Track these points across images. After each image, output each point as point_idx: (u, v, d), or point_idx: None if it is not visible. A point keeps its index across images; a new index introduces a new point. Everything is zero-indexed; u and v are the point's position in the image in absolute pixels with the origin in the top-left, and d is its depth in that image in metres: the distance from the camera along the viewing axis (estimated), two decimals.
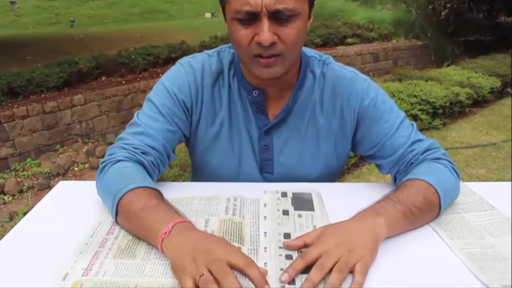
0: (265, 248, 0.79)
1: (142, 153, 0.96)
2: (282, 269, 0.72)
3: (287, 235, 0.82)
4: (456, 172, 0.97)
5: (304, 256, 0.72)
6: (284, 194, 0.97)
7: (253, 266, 0.66)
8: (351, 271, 0.71)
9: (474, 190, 1.01)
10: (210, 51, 1.08)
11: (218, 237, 0.76)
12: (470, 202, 0.96)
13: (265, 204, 0.94)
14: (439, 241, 0.83)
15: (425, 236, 0.85)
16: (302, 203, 0.94)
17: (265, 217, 0.89)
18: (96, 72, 5.04)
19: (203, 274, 0.64)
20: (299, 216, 0.89)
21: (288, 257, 0.76)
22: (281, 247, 0.79)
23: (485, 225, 0.86)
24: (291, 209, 0.92)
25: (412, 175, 0.93)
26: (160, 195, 0.86)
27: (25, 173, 3.84)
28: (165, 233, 0.73)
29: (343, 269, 0.70)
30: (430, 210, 0.88)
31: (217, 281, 0.64)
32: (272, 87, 1.02)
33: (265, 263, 0.74)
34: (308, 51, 1.07)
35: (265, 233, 0.83)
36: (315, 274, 0.69)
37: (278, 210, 0.91)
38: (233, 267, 0.66)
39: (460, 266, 0.75)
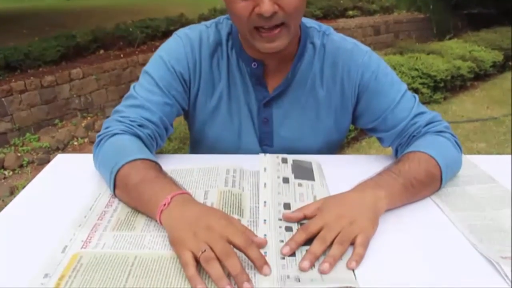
0: (265, 220, 0.78)
1: (139, 126, 0.95)
2: (282, 241, 0.72)
3: (286, 205, 0.82)
4: (458, 146, 0.96)
5: (306, 228, 0.72)
6: (284, 160, 0.96)
7: (252, 246, 0.66)
8: (352, 243, 0.71)
9: (475, 163, 1.00)
10: (207, 22, 1.06)
11: (218, 211, 0.75)
12: (472, 175, 0.95)
13: (265, 169, 0.93)
14: (440, 213, 0.82)
15: (426, 208, 0.84)
16: (303, 171, 0.93)
17: (265, 184, 0.88)
18: (93, 46, 4.98)
19: (205, 250, 0.64)
20: (299, 185, 0.89)
21: (288, 228, 0.76)
22: (280, 219, 0.78)
23: (486, 198, 0.86)
24: (291, 177, 0.91)
25: (414, 147, 0.92)
26: (158, 166, 0.85)
27: (24, 148, 3.83)
28: (164, 205, 0.73)
29: (345, 241, 0.70)
30: (432, 183, 0.87)
31: (218, 258, 0.64)
32: (271, 59, 1.00)
33: (265, 235, 0.74)
34: (307, 21, 1.05)
35: (265, 202, 0.83)
36: (317, 246, 0.69)
37: (278, 177, 0.91)
38: (232, 245, 0.66)
39: (460, 238, 0.75)
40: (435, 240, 0.74)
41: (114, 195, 0.85)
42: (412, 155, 0.89)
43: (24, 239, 0.74)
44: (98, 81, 4.55)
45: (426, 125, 0.98)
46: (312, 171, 0.94)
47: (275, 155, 0.98)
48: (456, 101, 4.84)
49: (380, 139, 1.08)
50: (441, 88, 4.78)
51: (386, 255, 0.71)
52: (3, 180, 3.44)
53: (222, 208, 0.81)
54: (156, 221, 0.74)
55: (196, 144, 1.17)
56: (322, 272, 0.65)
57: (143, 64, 1.04)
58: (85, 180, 0.92)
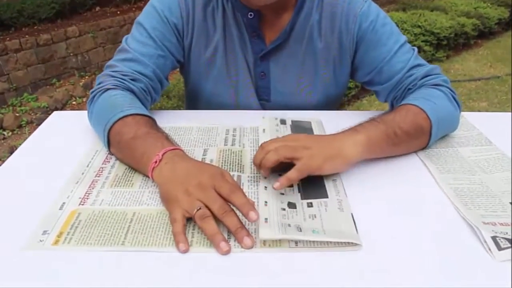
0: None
1: (132, 80, 0.92)
2: (282, 194, 0.72)
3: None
4: (456, 101, 0.92)
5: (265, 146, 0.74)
6: (283, 121, 0.94)
7: (237, 193, 0.64)
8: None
9: (474, 120, 0.98)
10: None
11: (209, 166, 0.73)
12: (468, 137, 0.92)
13: (264, 130, 0.91)
14: (427, 174, 0.80)
15: (413, 168, 0.82)
16: (302, 131, 0.92)
17: None
18: (89, 2, 4.86)
19: (199, 208, 0.63)
20: None
21: None
22: (280, 174, 0.77)
23: (478, 161, 0.83)
24: None
25: (406, 100, 0.89)
26: (151, 121, 0.83)
27: (22, 108, 3.80)
28: (155, 162, 0.71)
29: (281, 152, 0.72)
30: (419, 136, 0.84)
31: (215, 217, 0.63)
32: (268, 9, 0.96)
33: (265, 187, 0.73)
34: None
35: None
36: (258, 154, 0.73)
37: (277, 137, 0.89)
38: (219, 194, 0.65)
39: (444, 201, 0.72)
40: (418, 201, 0.72)
41: (110, 152, 0.84)
42: (402, 107, 0.86)
43: (21, 196, 0.73)
44: (95, 39, 4.46)
45: (423, 77, 0.94)
46: (312, 130, 0.92)
47: (273, 117, 0.96)
48: (459, 59, 4.75)
49: (376, 93, 1.05)
50: (443, 46, 4.68)
51: (368, 209, 0.69)
52: (2, 141, 3.43)
53: (222, 165, 0.80)
54: (150, 178, 0.73)
55: (192, 100, 1.14)
56: (274, 188, 0.69)
57: None
58: (82, 137, 0.91)
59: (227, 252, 0.60)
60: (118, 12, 4.79)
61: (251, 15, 0.96)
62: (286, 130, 0.91)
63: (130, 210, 0.68)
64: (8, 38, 3.99)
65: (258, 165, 0.73)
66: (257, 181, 0.76)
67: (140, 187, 0.74)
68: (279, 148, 0.72)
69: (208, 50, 1.02)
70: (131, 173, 0.78)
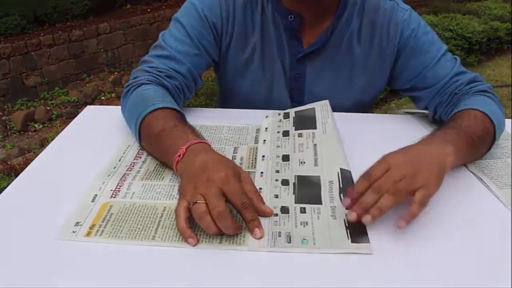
0: (262, 172, 0.77)
1: (167, 76, 0.93)
2: (276, 196, 0.71)
3: (285, 157, 0.81)
4: (501, 107, 0.92)
5: (368, 176, 0.64)
6: (286, 116, 0.94)
7: (247, 209, 0.63)
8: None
9: (508, 125, 0.95)
10: None
11: (228, 162, 0.70)
12: (510, 146, 0.90)
13: (266, 129, 0.91)
14: (484, 189, 0.76)
15: (470, 185, 0.78)
16: (304, 121, 0.90)
17: (264, 140, 0.87)
18: (121, 0, 4.94)
19: (196, 202, 0.62)
20: (300, 135, 0.86)
21: (284, 182, 0.74)
22: (278, 171, 0.77)
23: None
24: (291, 129, 0.89)
25: (464, 106, 0.87)
26: (179, 114, 0.83)
27: (53, 101, 3.90)
28: (179, 155, 0.71)
29: (399, 193, 0.62)
30: (488, 140, 0.83)
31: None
32: (309, 12, 0.96)
33: (260, 188, 0.73)
34: None
35: (263, 156, 0.82)
36: (369, 196, 0.62)
37: (278, 132, 0.89)
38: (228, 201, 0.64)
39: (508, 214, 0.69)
40: (484, 220, 0.68)
41: (141, 146, 0.85)
42: (467, 112, 0.84)
43: (55, 188, 0.75)
44: (125, 36, 4.53)
45: (468, 83, 0.95)
46: (315, 118, 0.90)
47: (277, 112, 0.96)
48: (491, 64, 4.64)
49: (417, 99, 1.03)
50: (475, 50, 4.58)
51: (439, 241, 0.64)
52: (33, 133, 3.52)
53: (252, 163, 0.80)
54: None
55: (226, 99, 1.15)
56: (364, 223, 0.61)
57: (171, 19, 1.01)
58: (115, 132, 0.93)
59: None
60: (149, 10, 4.85)
61: (291, 17, 0.96)
62: (288, 124, 0.90)
63: (160, 204, 0.69)
64: (42, 34, 4.10)
65: (365, 209, 0.62)
66: (253, 179, 0.74)
67: (171, 181, 0.75)
68: (392, 188, 0.63)
69: (246, 50, 1.02)
70: (162, 168, 0.79)
